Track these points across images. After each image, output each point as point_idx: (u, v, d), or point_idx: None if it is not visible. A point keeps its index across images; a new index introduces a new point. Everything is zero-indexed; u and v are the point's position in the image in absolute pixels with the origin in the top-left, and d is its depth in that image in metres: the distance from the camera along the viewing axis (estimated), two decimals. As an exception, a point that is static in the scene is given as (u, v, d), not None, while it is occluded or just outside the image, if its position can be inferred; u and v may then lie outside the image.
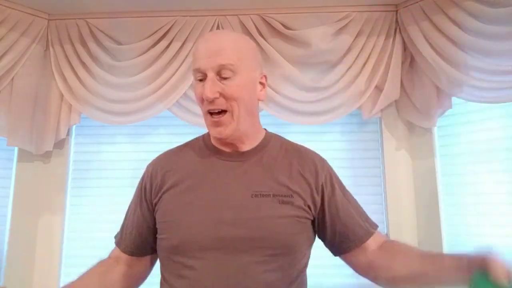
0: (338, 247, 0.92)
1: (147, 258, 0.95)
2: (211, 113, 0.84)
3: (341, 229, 0.90)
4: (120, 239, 0.95)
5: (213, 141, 0.92)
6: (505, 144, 1.67)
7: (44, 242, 1.91)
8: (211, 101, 0.82)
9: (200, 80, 0.84)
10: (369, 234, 0.91)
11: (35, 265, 1.89)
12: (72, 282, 0.86)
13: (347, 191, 0.96)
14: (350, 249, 0.91)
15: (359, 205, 0.96)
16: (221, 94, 0.81)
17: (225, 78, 0.82)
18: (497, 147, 1.68)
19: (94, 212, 1.96)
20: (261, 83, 0.90)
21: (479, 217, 1.72)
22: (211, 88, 0.80)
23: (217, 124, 0.84)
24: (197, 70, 0.83)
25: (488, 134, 1.72)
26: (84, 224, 1.96)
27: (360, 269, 0.93)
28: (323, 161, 0.94)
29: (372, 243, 0.91)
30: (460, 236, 1.76)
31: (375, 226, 0.94)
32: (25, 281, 1.86)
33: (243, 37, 0.90)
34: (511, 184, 1.64)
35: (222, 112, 0.83)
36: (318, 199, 0.88)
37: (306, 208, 0.86)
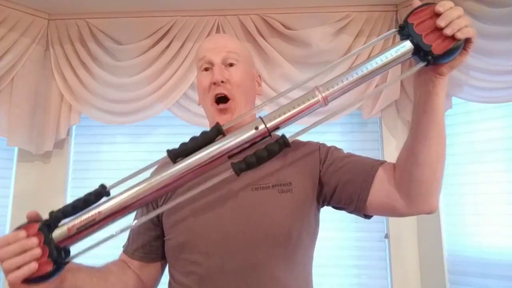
0: (355, 198, 0.82)
1: (156, 265, 0.92)
2: (217, 102, 0.88)
3: (347, 177, 0.83)
4: (127, 245, 0.94)
5: None
6: (505, 144, 1.67)
7: (44, 242, 1.91)
8: (219, 85, 0.87)
9: (206, 70, 0.90)
10: (377, 164, 0.83)
11: (35, 265, 1.89)
12: (93, 266, 0.84)
13: (347, 152, 0.90)
14: (366, 190, 0.81)
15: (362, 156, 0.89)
16: (227, 80, 0.87)
17: (230, 65, 0.89)
18: (497, 147, 1.68)
19: (94, 212, 1.96)
20: (256, 81, 0.98)
21: (478, 217, 1.72)
22: (220, 72, 0.87)
23: (223, 112, 0.88)
24: (203, 59, 0.90)
25: (488, 134, 1.72)
26: (84, 224, 1.96)
27: (392, 199, 0.80)
28: (317, 143, 0.93)
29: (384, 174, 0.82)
30: (460, 236, 1.76)
31: (381, 161, 0.85)
32: (25, 281, 1.87)
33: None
34: (510, 184, 1.64)
35: (227, 100, 0.88)
36: (317, 177, 0.86)
37: (309, 192, 0.85)
